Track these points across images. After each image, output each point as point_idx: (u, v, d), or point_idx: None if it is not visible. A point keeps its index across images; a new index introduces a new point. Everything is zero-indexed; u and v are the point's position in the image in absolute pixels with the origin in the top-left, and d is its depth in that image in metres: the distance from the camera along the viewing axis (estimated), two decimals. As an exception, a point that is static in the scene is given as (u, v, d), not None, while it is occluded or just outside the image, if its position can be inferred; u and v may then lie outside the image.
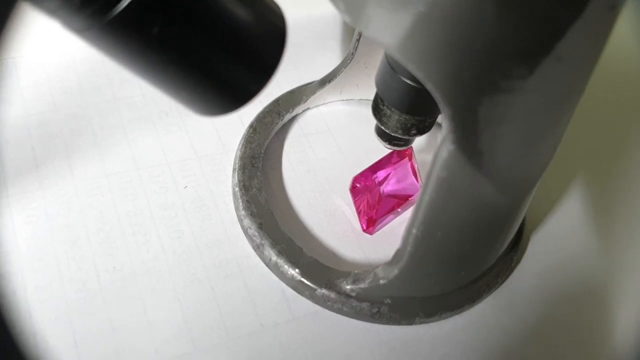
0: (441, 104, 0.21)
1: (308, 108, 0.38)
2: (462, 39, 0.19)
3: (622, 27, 0.24)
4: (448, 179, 0.24)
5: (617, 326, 0.32)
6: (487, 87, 0.21)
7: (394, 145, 0.31)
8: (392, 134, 0.30)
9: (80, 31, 0.19)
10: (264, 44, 0.22)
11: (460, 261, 0.29)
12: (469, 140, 0.22)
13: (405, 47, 0.20)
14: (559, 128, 0.25)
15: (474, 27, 0.19)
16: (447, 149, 0.23)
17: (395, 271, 0.28)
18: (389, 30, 0.20)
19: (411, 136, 0.29)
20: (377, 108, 0.29)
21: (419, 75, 0.21)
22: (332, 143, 0.37)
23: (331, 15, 0.44)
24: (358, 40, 0.34)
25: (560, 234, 0.36)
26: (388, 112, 0.29)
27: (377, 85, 0.29)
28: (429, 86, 0.21)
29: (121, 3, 0.18)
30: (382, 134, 0.30)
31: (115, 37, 0.19)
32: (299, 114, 0.37)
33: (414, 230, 0.26)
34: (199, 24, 0.20)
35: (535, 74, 0.21)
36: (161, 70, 0.20)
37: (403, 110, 0.28)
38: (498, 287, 0.32)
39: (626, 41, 0.47)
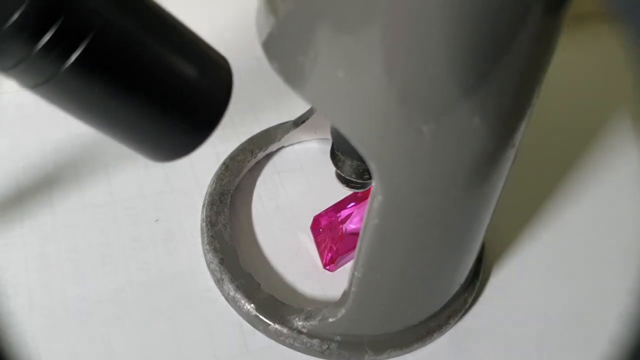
0: (366, 158, 0.23)
1: (282, 146, 0.39)
2: (375, 100, 0.21)
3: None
4: (381, 226, 0.25)
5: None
6: (407, 142, 0.22)
7: (352, 187, 0.32)
8: (348, 178, 0.31)
9: (33, 87, 0.21)
10: (208, 98, 0.24)
11: (405, 302, 0.30)
12: (397, 190, 0.24)
13: (331, 108, 0.22)
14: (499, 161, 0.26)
15: (384, 90, 0.20)
16: (377, 199, 0.24)
17: (342, 310, 0.29)
18: (319, 95, 0.22)
19: (365, 180, 0.31)
20: (333, 154, 0.31)
21: (343, 132, 0.22)
22: (304, 181, 0.38)
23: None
24: (327, 84, 0.35)
25: (524, 275, 0.36)
26: (342, 158, 0.30)
27: (331, 134, 0.30)
28: (354, 142, 0.22)
29: (69, 59, 0.20)
30: (340, 178, 0.32)
31: (61, 92, 0.21)
32: (274, 152, 0.39)
33: (355, 273, 0.28)
34: (139, 85, 0.22)
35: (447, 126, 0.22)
36: (105, 121, 0.22)
37: (354, 157, 0.30)
38: (451, 328, 0.33)
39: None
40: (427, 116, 0.21)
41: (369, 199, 0.25)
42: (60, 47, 0.20)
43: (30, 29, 0.20)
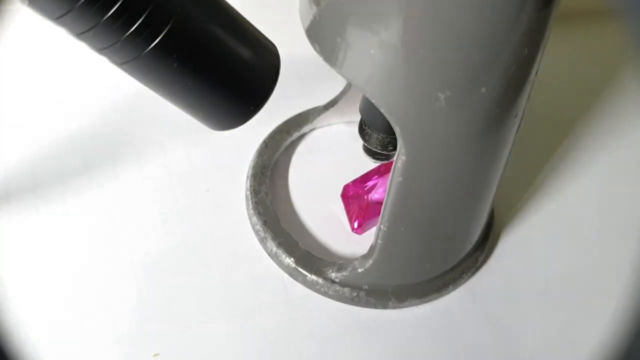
0: (392, 123, 0.28)
1: (314, 128, 0.44)
2: (400, 74, 0.26)
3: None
4: (404, 183, 0.30)
5: (582, 331, 0.37)
6: (426, 108, 0.27)
7: (378, 159, 0.37)
8: (374, 150, 0.36)
9: (120, 64, 0.26)
10: (260, 76, 0.29)
11: (424, 255, 0.35)
12: (417, 150, 0.28)
13: (364, 81, 0.27)
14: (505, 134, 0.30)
15: (407, 65, 0.25)
16: (401, 159, 0.29)
17: (369, 262, 0.34)
18: (354, 70, 0.27)
19: (389, 152, 0.36)
20: (361, 129, 0.36)
21: (374, 101, 0.27)
22: (333, 157, 0.43)
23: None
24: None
25: (530, 240, 0.41)
26: (369, 132, 0.35)
27: (360, 111, 0.35)
28: (382, 110, 0.27)
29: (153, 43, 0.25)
30: (367, 151, 0.37)
31: (144, 68, 0.26)
32: (306, 133, 0.44)
33: (381, 226, 0.32)
34: (208, 62, 0.27)
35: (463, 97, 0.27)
36: (178, 93, 0.27)
37: (380, 131, 0.35)
38: (464, 283, 0.38)
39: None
40: (442, 86, 0.26)
41: (394, 160, 0.30)
42: (146, 32, 0.25)
43: (124, 16, 0.24)
